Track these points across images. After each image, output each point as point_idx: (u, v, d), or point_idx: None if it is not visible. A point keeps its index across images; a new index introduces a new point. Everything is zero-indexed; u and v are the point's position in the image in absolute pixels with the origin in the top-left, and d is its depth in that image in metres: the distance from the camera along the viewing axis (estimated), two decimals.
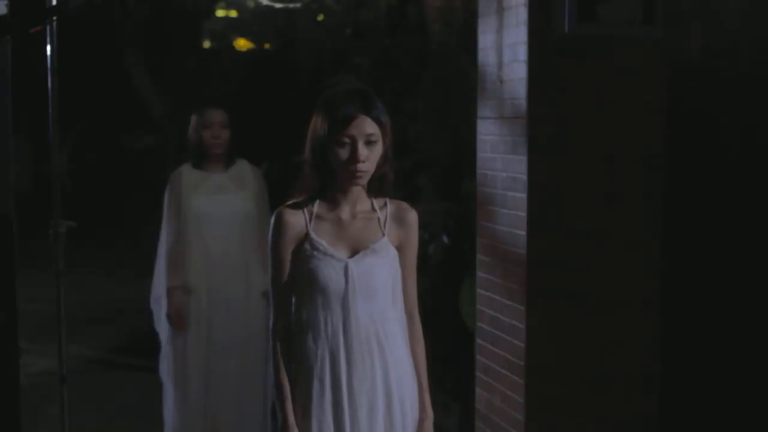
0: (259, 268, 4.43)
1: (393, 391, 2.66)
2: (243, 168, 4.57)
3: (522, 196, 3.81)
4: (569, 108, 3.80)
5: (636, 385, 3.92)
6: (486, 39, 4.12)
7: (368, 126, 2.57)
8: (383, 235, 2.68)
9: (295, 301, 2.68)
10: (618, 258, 3.88)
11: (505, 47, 3.94)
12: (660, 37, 3.85)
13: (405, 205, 2.74)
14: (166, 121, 10.25)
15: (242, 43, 11.34)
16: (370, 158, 2.58)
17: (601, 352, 3.88)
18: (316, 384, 2.62)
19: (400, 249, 2.71)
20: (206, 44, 11.56)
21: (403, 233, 2.71)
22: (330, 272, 2.62)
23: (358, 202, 2.67)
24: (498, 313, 4.01)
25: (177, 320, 4.34)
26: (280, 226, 2.65)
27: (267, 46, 11.12)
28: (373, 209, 2.70)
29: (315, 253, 2.62)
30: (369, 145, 2.57)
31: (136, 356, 6.44)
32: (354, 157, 2.56)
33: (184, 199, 4.43)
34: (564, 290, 3.83)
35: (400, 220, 2.71)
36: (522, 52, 3.79)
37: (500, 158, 3.99)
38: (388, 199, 2.72)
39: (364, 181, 2.62)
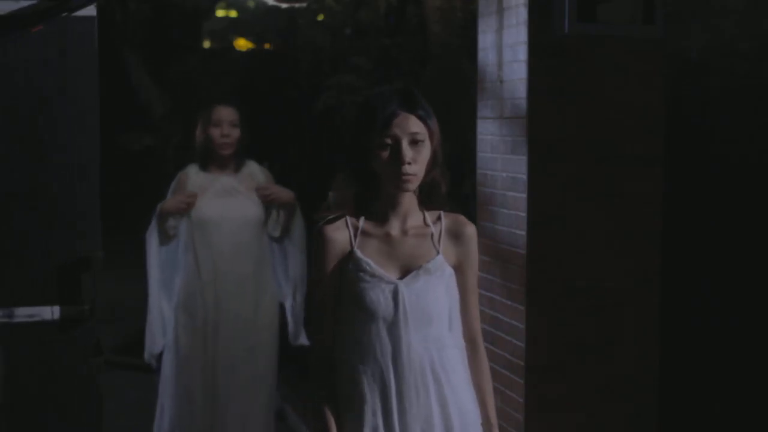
0: (269, 274, 4.31)
1: (454, 428, 2.37)
2: (253, 170, 4.37)
3: (522, 196, 3.81)
4: (569, 108, 3.80)
5: (635, 385, 3.92)
6: (486, 39, 4.12)
7: (412, 124, 2.34)
8: (438, 252, 2.41)
9: (340, 326, 2.41)
10: (618, 258, 3.88)
11: (505, 47, 3.94)
12: (660, 37, 3.85)
13: (462, 218, 2.48)
14: (167, 122, 10.26)
15: (242, 43, 11.34)
16: (417, 160, 2.33)
17: (601, 352, 3.88)
18: (368, 418, 2.33)
19: (457, 268, 2.44)
20: (206, 44, 11.57)
21: (460, 250, 2.45)
22: (377, 296, 2.35)
23: (409, 215, 2.41)
24: (498, 313, 4.01)
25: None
26: (321, 243, 2.38)
27: (267, 46, 11.12)
28: (426, 224, 2.43)
29: (360, 274, 2.36)
30: (415, 145, 2.33)
31: (136, 356, 6.44)
32: (399, 159, 2.31)
33: None
34: (564, 290, 3.83)
35: (456, 235, 2.45)
36: (522, 52, 3.79)
37: (500, 158, 3.99)
38: (442, 212, 2.46)
39: (413, 186, 2.36)
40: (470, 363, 2.47)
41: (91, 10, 3.30)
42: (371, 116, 2.34)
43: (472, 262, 2.47)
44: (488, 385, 2.51)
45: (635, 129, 3.87)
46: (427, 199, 2.43)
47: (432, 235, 2.42)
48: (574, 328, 3.84)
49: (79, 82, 3.31)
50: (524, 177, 3.79)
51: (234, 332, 4.23)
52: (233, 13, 11.41)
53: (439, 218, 2.45)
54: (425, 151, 2.35)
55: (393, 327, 2.34)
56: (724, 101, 4.59)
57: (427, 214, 2.44)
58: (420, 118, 2.35)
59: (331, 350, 2.41)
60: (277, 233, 4.36)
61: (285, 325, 4.42)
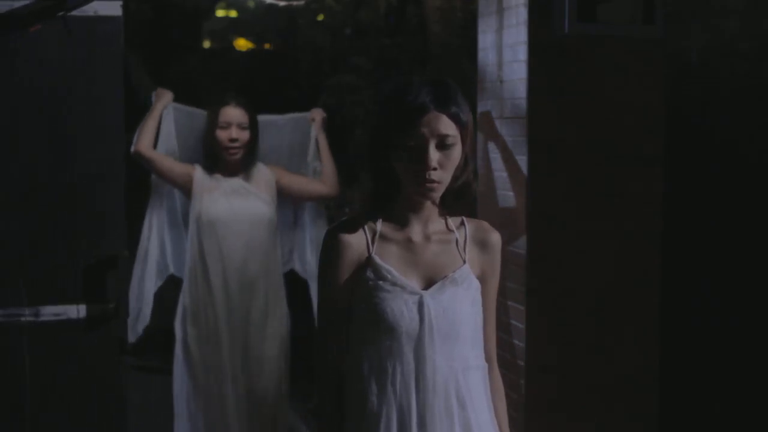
0: (280, 278, 4.16)
1: None
2: (262, 170, 4.15)
3: (522, 196, 3.81)
4: (569, 108, 3.80)
5: (635, 385, 3.91)
6: (486, 39, 4.12)
7: (443, 125, 2.04)
8: (464, 261, 2.15)
9: (353, 344, 2.13)
10: (618, 258, 3.87)
11: (505, 47, 3.94)
12: (660, 37, 3.85)
13: (486, 224, 2.23)
14: None
15: (242, 43, 11.33)
16: (445, 165, 2.05)
17: (601, 352, 3.88)
18: None
19: (481, 279, 2.19)
20: (206, 44, 11.56)
21: (485, 260, 2.19)
22: (400, 307, 2.06)
23: (431, 219, 2.15)
24: (498, 313, 4.01)
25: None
26: (334, 246, 2.10)
27: (267, 46, 11.12)
28: (449, 229, 2.17)
29: (381, 282, 2.08)
30: (444, 148, 2.05)
31: (136, 356, 6.44)
32: (423, 163, 2.03)
33: (195, 201, 4.05)
34: (564, 290, 3.83)
35: (481, 243, 2.19)
36: (522, 52, 3.79)
37: (500, 158, 3.99)
38: (465, 218, 2.21)
39: (437, 194, 2.09)
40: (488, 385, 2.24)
41: (116, 10, 3.32)
42: (397, 110, 2.06)
43: (495, 273, 2.22)
44: (504, 411, 2.28)
45: (635, 129, 3.87)
46: (453, 204, 2.16)
47: (456, 241, 2.16)
48: (574, 328, 3.84)
49: (105, 82, 3.34)
50: (524, 177, 3.79)
51: (244, 338, 4.07)
52: (233, 13, 11.40)
53: (462, 224, 2.20)
54: (455, 155, 2.07)
55: (417, 344, 2.06)
56: (724, 101, 4.58)
57: (449, 219, 2.19)
58: (453, 117, 2.06)
59: (340, 370, 2.15)
60: (317, 162, 4.28)
61: (294, 329, 4.33)
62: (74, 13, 3.25)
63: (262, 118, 4.32)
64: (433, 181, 2.05)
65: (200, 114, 4.29)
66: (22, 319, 3.28)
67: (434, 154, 2.04)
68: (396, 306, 2.07)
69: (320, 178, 4.29)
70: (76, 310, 3.32)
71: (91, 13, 3.28)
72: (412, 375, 2.06)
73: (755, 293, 4.47)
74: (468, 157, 2.12)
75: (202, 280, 4.05)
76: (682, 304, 4.42)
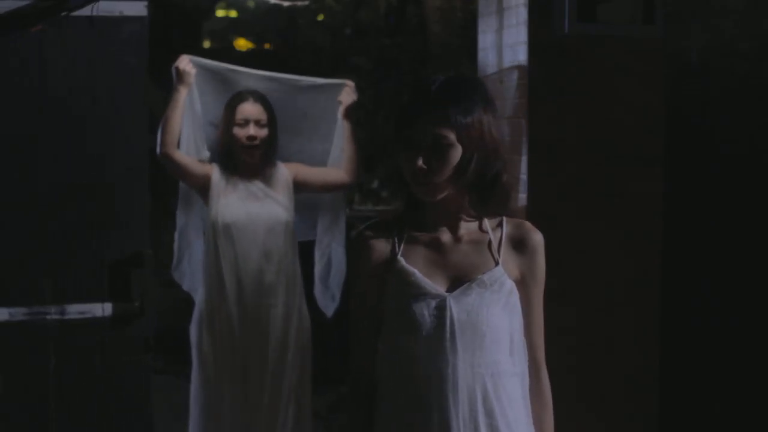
0: (301, 286, 3.99)
1: None
2: (280, 171, 3.99)
3: (522, 196, 3.81)
4: (569, 108, 3.80)
5: (636, 384, 3.91)
6: (486, 39, 4.12)
7: (435, 125, 2.00)
8: (497, 263, 2.07)
9: (382, 346, 2.10)
10: (618, 257, 3.87)
11: (505, 47, 3.94)
12: (660, 37, 3.85)
13: (527, 224, 2.15)
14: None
15: (242, 43, 11.33)
16: (435, 167, 2.00)
17: (601, 352, 3.87)
18: None
19: (520, 282, 2.10)
20: (206, 44, 11.56)
21: (524, 261, 2.11)
22: (422, 310, 2.01)
23: (462, 221, 2.10)
24: None
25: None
26: (360, 249, 2.10)
27: (267, 46, 11.12)
28: (483, 230, 2.11)
29: (404, 285, 2.04)
30: (436, 149, 2.00)
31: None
32: (413, 162, 2.01)
33: (212, 204, 3.90)
34: (563, 290, 3.82)
35: (520, 243, 2.11)
36: (522, 52, 3.79)
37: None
38: (504, 218, 2.13)
39: (431, 194, 2.03)
40: (530, 392, 2.20)
41: (141, 10, 3.34)
42: (399, 109, 2.07)
43: (537, 275, 2.13)
44: (550, 421, 2.22)
45: (635, 129, 3.87)
46: (486, 203, 2.08)
47: (490, 242, 2.09)
48: (575, 328, 3.84)
49: (130, 82, 3.36)
50: (524, 177, 3.79)
51: (262, 345, 3.92)
52: (233, 13, 11.40)
53: (500, 224, 2.12)
54: (449, 157, 2.00)
55: (438, 347, 2.01)
56: (724, 101, 4.58)
57: (486, 219, 2.11)
58: (448, 119, 2.00)
59: (371, 375, 2.11)
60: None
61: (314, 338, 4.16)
62: (101, 13, 3.29)
63: (297, 78, 4.15)
64: (423, 181, 2.02)
65: (226, 70, 4.12)
66: (48, 317, 3.31)
67: (421, 155, 2.01)
68: (417, 308, 2.02)
69: (340, 165, 4.10)
70: (101, 309, 3.34)
71: (116, 14, 3.31)
72: (431, 379, 2.01)
73: (755, 293, 4.47)
74: (472, 160, 2.03)
75: (217, 285, 3.91)
76: (682, 304, 4.42)
